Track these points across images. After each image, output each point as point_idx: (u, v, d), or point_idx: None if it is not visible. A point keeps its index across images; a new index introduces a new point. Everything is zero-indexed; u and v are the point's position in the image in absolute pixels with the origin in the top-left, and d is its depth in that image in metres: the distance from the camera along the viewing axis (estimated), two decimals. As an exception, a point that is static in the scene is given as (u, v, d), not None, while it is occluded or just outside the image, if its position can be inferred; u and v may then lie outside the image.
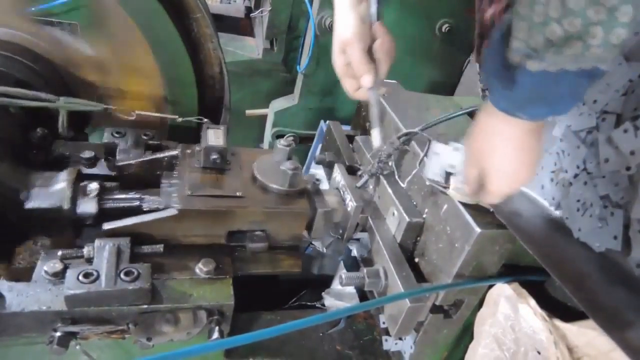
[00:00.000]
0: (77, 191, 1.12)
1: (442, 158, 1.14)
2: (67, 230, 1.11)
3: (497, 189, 0.90)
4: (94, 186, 1.13)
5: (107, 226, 1.07)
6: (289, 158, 1.25)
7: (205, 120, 1.48)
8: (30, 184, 1.10)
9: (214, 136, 1.24)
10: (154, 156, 1.28)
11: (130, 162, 1.26)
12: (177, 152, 1.26)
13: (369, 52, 1.03)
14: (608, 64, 0.67)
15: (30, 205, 1.06)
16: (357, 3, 1.03)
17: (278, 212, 1.19)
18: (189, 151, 1.27)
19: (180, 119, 1.51)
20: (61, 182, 1.11)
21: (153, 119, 1.60)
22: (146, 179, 1.25)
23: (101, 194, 1.13)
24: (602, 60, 0.66)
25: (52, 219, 1.08)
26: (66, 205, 1.07)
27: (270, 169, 1.24)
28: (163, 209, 1.11)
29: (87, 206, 1.10)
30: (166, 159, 1.27)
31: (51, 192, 1.09)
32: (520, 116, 0.77)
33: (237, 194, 1.17)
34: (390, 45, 1.06)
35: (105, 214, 1.12)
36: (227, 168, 1.24)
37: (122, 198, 1.15)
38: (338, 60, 1.07)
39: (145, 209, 1.13)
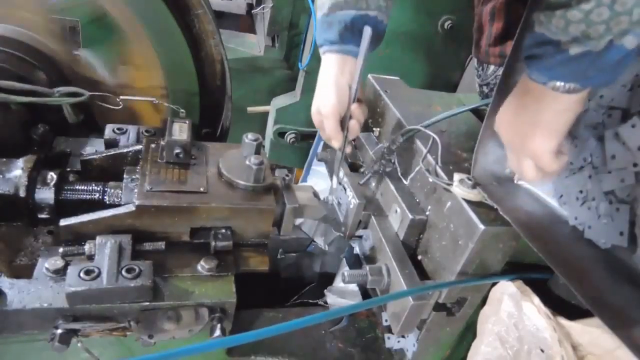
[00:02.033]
0: (35, 179, 1.10)
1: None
2: (23, 217, 1.10)
3: (538, 150, 0.89)
4: (53, 175, 1.11)
5: (64, 222, 1.05)
6: (257, 153, 1.22)
7: (182, 110, 1.46)
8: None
9: (179, 130, 1.22)
10: (117, 151, 1.27)
11: (94, 156, 1.25)
12: (140, 147, 1.24)
13: (342, 120, 1.18)
14: (630, 39, 0.69)
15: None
16: (339, 74, 1.16)
17: (243, 209, 1.16)
18: (153, 145, 1.24)
19: (156, 101, 1.49)
20: (18, 169, 1.10)
21: (153, 117, 1.60)
22: (111, 174, 1.24)
23: (61, 184, 1.12)
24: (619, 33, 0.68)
25: (8, 205, 1.07)
26: (22, 193, 1.06)
27: (237, 164, 1.21)
28: (124, 205, 1.09)
29: (45, 194, 1.09)
30: (131, 153, 1.26)
31: (7, 178, 1.08)
32: (554, 82, 0.79)
33: (200, 189, 1.14)
34: (361, 119, 1.23)
35: (65, 206, 1.11)
36: (191, 163, 1.21)
37: (83, 190, 1.14)
38: (315, 119, 1.23)
39: (107, 203, 1.12)
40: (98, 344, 1.06)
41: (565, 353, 0.93)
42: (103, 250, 1.01)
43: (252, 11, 2.90)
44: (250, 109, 2.53)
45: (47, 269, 1.00)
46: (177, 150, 1.18)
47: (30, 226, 1.13)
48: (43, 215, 1.12)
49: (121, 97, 1.44)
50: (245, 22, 3.10)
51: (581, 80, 0.77)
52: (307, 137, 2.36)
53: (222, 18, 2.94)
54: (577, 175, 0.94)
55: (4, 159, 1.12)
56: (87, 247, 1.02)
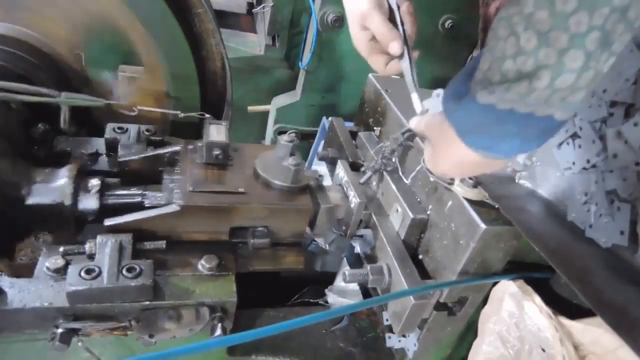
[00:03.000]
0: (79, 187, 1.11)
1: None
2: (69, 226, 1.10)
3: (434, 168, 0.88)
4: (95, 182, 1.12)
5: (108, 222, 1.06)
6: (292, 154, 1.24)
7: (208, 115, 1.47)
8: (31, 180, 1.09)
9: (216, 132, 1.24)
10: (156, 152, 1.28)
11: (133, 157, 1.26)
12: (179, 148, 1.25)
13: (391, 17, 1.00)
14: (562, 112, 0.63)
15: (31, 201, 1.06)
16: None
17: (280, 209, 1.18)
18: (191, 147, 1.26)
19: (182, 115, 1.50)
20: (63, 178, 1.10)
21: (153, 115, 1.60)
22: (148, 175, 1.24)
23: (103, 190, 1.13)
24: (549, 105, 0.62)
25: (53, 215, 1.07)
26: (67, 202, 1.07)
27: (273, 165, 1.23)
28: (165, 205, 1.10)
29: (89, 202, 1.10)
30: (168, 154, 1.27)
31: (52, 188, 1.09)
32: (464, 142, 0.73)
33: (240, 190, 1.16)
34: (412, 7, 1.03)
35: (107, 210, 1.11)
36: (229, 164, 1.23)
37: (124, 194, 1.15)
38: (360, 38, 1.04)
39: (147, 205, 1.13)
40: (99, 344, 1.06)
41: (566, 352, 0.93)
42: (103, 249, 1.01)
43: (253, 10, 2.90)
44: (250, 108, 2.53)
45: (47, 268, 1.00)
46: (217, 152, 1.20)
47: (76, 233, 1.13)
48: (87, 220, 1.12)
49: (138, 107, 1.44)
50: (245, 21, 3.09)
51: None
52: (308, 136, 2.35)
53: (223, 17, 2.93)
54: (582, 176, 0.94)
55: (47, 169, 1.13)
56: (88, 246, 1.02)
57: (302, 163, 1.20)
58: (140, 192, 1.15)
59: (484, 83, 0.66)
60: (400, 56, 1.04)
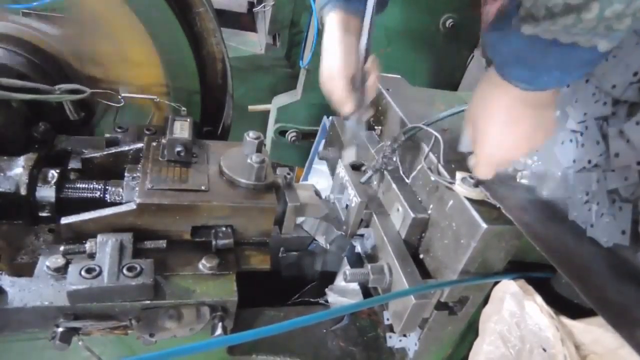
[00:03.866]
0: (36, 177, 1.10)
1: None
2: (24, 216, 1.10)
3: (482, 155, 0.92)
4: (54, 173, 1.11)
5: (65, 220, 1.05)
6: (258, 151, 1.21)
7: (184, 109, 1.46)
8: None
9: (180, 128, 1.21)
10: (119, 149, 1.27)
11: (95, 154, 1.25)
12: (142, 145, 1.24)
13: (353, 81, 1.11)
14: (606, 42, 0.66)
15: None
16: (344, 33, 1.11)
17: (244, 207, 1.15)
18: (154, 144, 1.23)
19: (157, 99, 1.49)
20: (19, 167, 1.09)
21: (154, 116, 1.60)
22: (113, 172, 1.23)
23: (62, 182, 1.12)
24: (594, 35, 0.65)
25: (8, 204, 1.07)
26: (23, 191, 1.06)
27: (238, 162, 1.20)
28: (125, 203, 1.09)
29: (46, 193, 1.09)
30: (132, 152, 1.26)
31: (8, 176, 1.08)
32: (504, 76, 0.78)
33: (202, 188, 1.13)
34: (377, 77, 1.15)
35: (66, 204, 1.10)
36: (192, 161, 1.21)
37: (84, 188, 1.14)
38: (324, 86, 1.15)
39: (108, 201, 1.12)
40: (99, 343, 1.06)
41: (567, 352, 0.92)
42: (104, 248, 1.00)
43: (253, 9, 2.90)
44: (251, 107, 2.52)
45: (48, 267, 1.00)
46: (179, 149, 1.18)
47: (31, 224, 1.13)
48: (44, 214, 1.11)
49: (122, 94, 1.43)
50: (246, 21, 3.10)
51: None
52: (308, 135, 2.35)
53: (223, 16, 2.93)
54: (583, 175, 0.93)
55: (5, 157, 1.12)
56: (88, 245, 1.02)
57: (265, 160, 1.17)
58: (100, 186, 1.14)
59: (528, 18, 0.69)
60: (348, 117, 1.16)
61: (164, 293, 1.03)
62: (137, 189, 1.10)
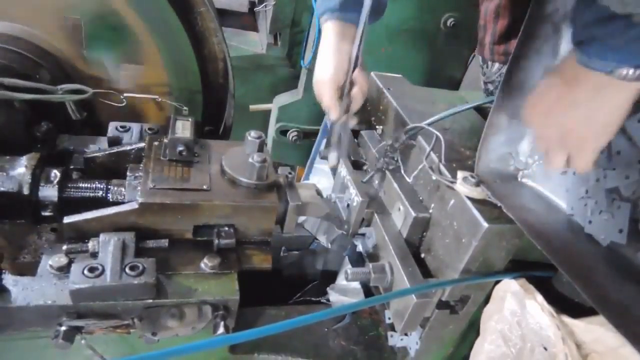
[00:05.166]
0: (39, 177, 1.10)
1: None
2: (26, 216, 1.10)
3: (586, 141, 0.81)
4: (56, 173, 1.12)
5: (67, 219, 1.05)
6: (260, 150, 1.22)
7: (185, 108, 1.46)
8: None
9: (182, 128, 1.22)
10: (121, 148, 1.27)
11: (97, 154, 1.25)
12: (144, 144, 1.24)
13: (342, 89, 1.17)
14: None
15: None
16: (339, 41, 1.16)
17: (245, 206, 1.16)
18: (156, 143, 1.23)
19: (159, 99, 1.49)
20: (22, 167, 1.10)
21: (157, 115, 1.60)
22: (114, 172, 1.24)
23: (64, 182, 1.12)
24: None
25: (11, 204, 1.07)
26: (26, 190, 1.06)
27: (240, 162, 1.20)
28: (127, 202, 1.09)
29: (48, 192, 1.09)
30: (134, 151, 1.26)
31: (11, 175, 1.08)
32: (623, 67, 0.69)
33: (203, 187, 1.13)
34: (364, 88, 1.21)
35: (69, 203, 1.11)
36: (194, 160, 1.21)
37: (86, 187, 1.14)
38: (315, 89, 1.22)
39: (110, 200, 1.12)
40: (101, 342, 1.06)
41: (568, 351, 0.93)
42: (106, 247, 1.01)
43: (255, 9, 2.91)
44: (252, 106, 2.53)
45: (50, 266, 1.00)
46: (180, 148, 1.18)
47: (34, 224, 1.13)
48: (46, 213, 1.12)
49: (125, 94, 1.43)
50: (247, 20, 3.10)
51: None
52: (310, 135, 2.35)
53: (225, 16, 2.94)
54: (585, 173, 0.94)
55: (8, 157, 1.13)
56: (91, 244, 1.02)
57: (267, 160, 1.17)
58: (103, 186, 1.14)
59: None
60: (335, 122, 1.23)
61: (166, 292, 1.03)
62: (139, 188, 1.11)
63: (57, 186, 1.11)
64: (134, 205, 1.07)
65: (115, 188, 1.15)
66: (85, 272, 0.94)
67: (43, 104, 1.30)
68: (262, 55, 2.65)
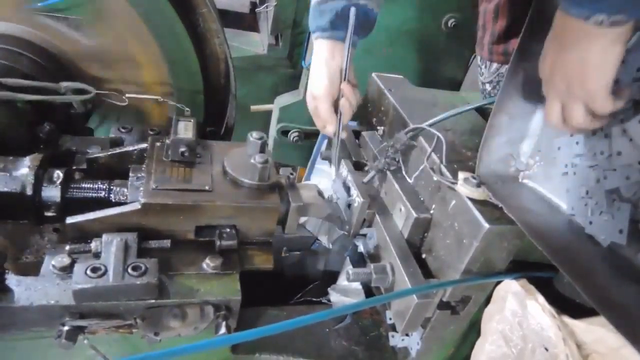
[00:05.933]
0: (42, 177, 1.11)
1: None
2: (29, 216, 1.11)
3: (596, 82, 0.81)
4: (59, 173, 1.12)
5: (70, 220, 1.06)
6: (262, 151, 1.22)
7: (187, 109, 1.47)
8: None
9: (184, 129, 1.23)
10: (123, 149, 1.28)
11: (100, 154, 1.26)
12: (146, 145, 1.25)
13: (336, 103, 1.24)
14: None
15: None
16: (330, 58, 1.23)
17: (247, 207, 1.16)
18: (158, 144, 1.24)
19: (161, 100, 1.50)
20: (24, 167, 1.10)
21: (158, 116, 1.61)
22: (117, 173, 1.24)
23: (67, 182, 1.13)
24: None
25: (14, 204, 1.08)
26: (29, 191, 1.07)
27: (242, 162, 1.21)
28: (130, 203, 1.10)
29: (51, 193, 1.10)
30: (136, 152, 1.27)
31: (14, 176, 1.09)
32: (598, 14, 0.72)
33: (205, 188, 1.14)
34: (353, 101, 1.27)
35: (71, 204, 1.11)
36: (196, 161, 1.22)
37: (89, 187, 1.15)
38: (310, 105, 1.30)
39: (113, 201, 1.13)
40: (104, 341, 1.07)
41: (569, 351, 0.93)
42: (109, 248, 1.01)
43: (256, 10, 2.91)
44: (253, 107, 2.53)
45: (53, 266, 1.01)
46: (182, 149, 1.19)
47: (37, 224, 1.13)
48: (49, 214, 1.12)
49: (127, 95, 1.44)
50: (248, 21, 3.10)
51: (629, 8, 0.69)
52: (311, 135, 2.36)
53: (226, 16, 2.94)
54: (584, 174, 0.94)
55: (11, 157, 1.13)
56: (94, 244, 1.03)
57: (269, 160, 1.18)
58: (105, 186, 1.15)
59: None
60: (332, 136, 1.31)
61: (168, 292, 1.03)
62: (141, 188, 1.11)
63: (59, 187, 1.11)
64: (136, 206, 1.07)
65: (118, 189, 1.16)
66: (88, 272, 0.95)
67: (46, 105, 1.31)
68: (264, 56, 2.66)
